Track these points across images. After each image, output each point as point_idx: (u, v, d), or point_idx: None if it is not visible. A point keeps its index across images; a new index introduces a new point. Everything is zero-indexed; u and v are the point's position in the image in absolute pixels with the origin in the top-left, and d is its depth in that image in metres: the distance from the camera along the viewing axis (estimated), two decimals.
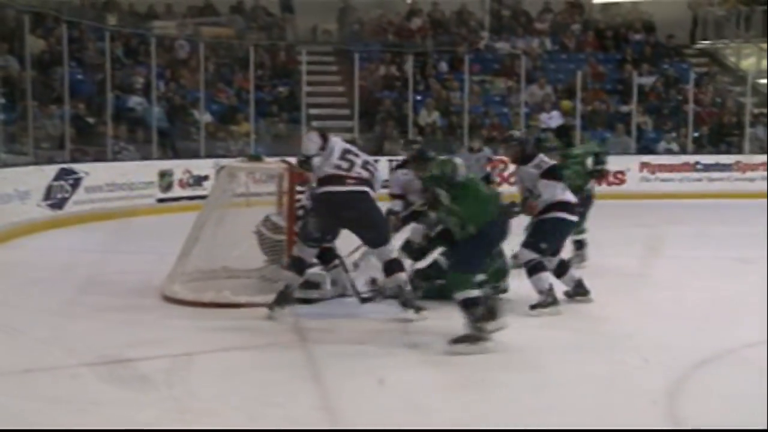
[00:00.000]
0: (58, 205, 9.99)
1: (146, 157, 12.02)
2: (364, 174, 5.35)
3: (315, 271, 5.80)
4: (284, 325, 5.29)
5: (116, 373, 4.34)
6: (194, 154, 12.56)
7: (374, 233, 5.44)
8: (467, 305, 4.73)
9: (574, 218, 5.82)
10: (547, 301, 5.56)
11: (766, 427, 3.62)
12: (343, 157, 5.36)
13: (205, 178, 11.55)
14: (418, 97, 14.66)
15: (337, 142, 5.45)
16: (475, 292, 4.74)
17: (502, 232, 5.05)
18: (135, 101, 12.76)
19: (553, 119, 14.57)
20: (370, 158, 5.55)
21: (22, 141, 10.65)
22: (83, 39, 13.10)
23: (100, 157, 11.49)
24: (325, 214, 5.36)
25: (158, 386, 4.14)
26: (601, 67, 16.23)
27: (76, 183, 10.28)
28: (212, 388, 4.11)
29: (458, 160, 5.10)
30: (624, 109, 14.96)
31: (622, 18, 17.68)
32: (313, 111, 14.25)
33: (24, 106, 10.69)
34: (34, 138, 10.67)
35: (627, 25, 17.36)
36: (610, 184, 13.69)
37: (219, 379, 4.26)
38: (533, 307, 5.56)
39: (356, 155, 5.42)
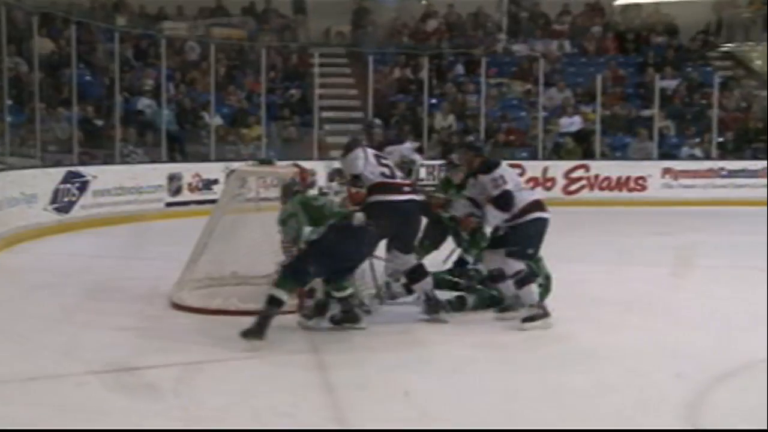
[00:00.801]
0: (65, 209, 10.02)
1: (155, 160, 12.06)
2: (405, 178, 5.63)
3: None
4: (295, 332, 5.28)
5: (123, 381, 4.34)
6: (204, 158, 12.59)
7: (412, 242, 5.64)
8: (270, 302, 4.94)
9: (548, 215, 5.64)
10: (538, 313, 5.42)
11: (766, 428, 3.65)
12: (380, 163, 5.51)
13: (215, 182, 11.56)
14: (434, 101, 14.65)
15: (367, 148, 5.61)
16: (284, 295, 4.95)
17: (355, 245, 5.13)
18: (144, 104, 12.82)
19: (574, 125, 14.55)
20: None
21: (29, 143, 10.72)
22: (92, 40, 13.19)
23: (108, 161, 11.54)
24: (388, 223, 5.39)
25: (166, 395, 4.14)
26: (622, 71, 16.17)
27: (83, 186, 10.31)
28: (221, 398, 4.10)
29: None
30: (645, 113, 14.88)
31: (644, 20, 17.61)
32: (326, 114, 14.28)
33: (32, 108, 10.76)
34: (42, 141, 10.74)
35: (648, 27, 17.30)
36: (630, 190, 13.72)
37: (228, 388, 4.25)
38: (524, 320, 5.39)
39: (386, 157, 5.65)
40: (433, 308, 5.52)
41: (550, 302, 5.61)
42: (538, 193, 5.84)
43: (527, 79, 15.48)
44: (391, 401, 4.08)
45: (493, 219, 5.51)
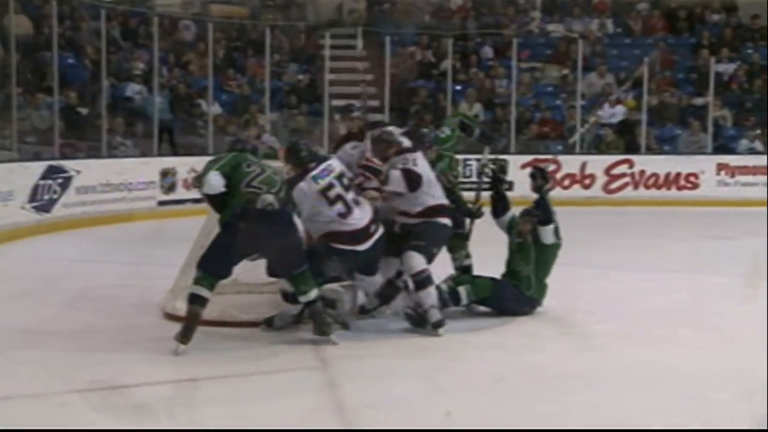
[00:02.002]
0: (46, 207, 10.08)
1: (146, 153, 12.13)
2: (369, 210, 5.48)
3: (332, 287, 5.77)
4: (300, 346, 5.29)
5: (110, 400, 4.35)
6: (201, 151, 12.61)
7: (373, 266, 5.70)
8: (191, 301, 5.14)
9: (449, 222, 5.82)
10: (442, 320, 5.55)
11: (766, 427, 3.71)
12: (330, 200, 5.39)
13: None
14: (458, 88, 14.64)
15: (309, 187, 5.39)
16: (205, 292, 5.12)
17: (265, 229, 5.14)
18: (134, 90, 12.87)
19: (616, 116, 14.48)
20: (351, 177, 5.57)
21: (4, 134, 10.78)
22: (75, 18, 13.24)
23: (93, 154, 11.60)
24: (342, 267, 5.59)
25: (158, 416, 4.15)
26: (673, 53, 16.09)
27: (65, 182, 10.36)
28: (219, 419, 4.10)
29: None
30: (699, 101, 14.81)
31: None
32: (337, 102, 14.27)
33: (8, 94, 10.83)
34: (19, 131, 10.81)
35: (703, 3, 17.20)
36: (680, 188, 13.65)
37: (227, 408, 4.26)
38: (435, 326, 5.52)
39: (339, 197, 5.41)
40: (415, 322, 5.64)
41: (584, 313, 5.56)
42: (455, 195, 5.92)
43: (564, 63, 15.44)
44: (407, 422, 4.06)
45: (395, 186, 5.62)
